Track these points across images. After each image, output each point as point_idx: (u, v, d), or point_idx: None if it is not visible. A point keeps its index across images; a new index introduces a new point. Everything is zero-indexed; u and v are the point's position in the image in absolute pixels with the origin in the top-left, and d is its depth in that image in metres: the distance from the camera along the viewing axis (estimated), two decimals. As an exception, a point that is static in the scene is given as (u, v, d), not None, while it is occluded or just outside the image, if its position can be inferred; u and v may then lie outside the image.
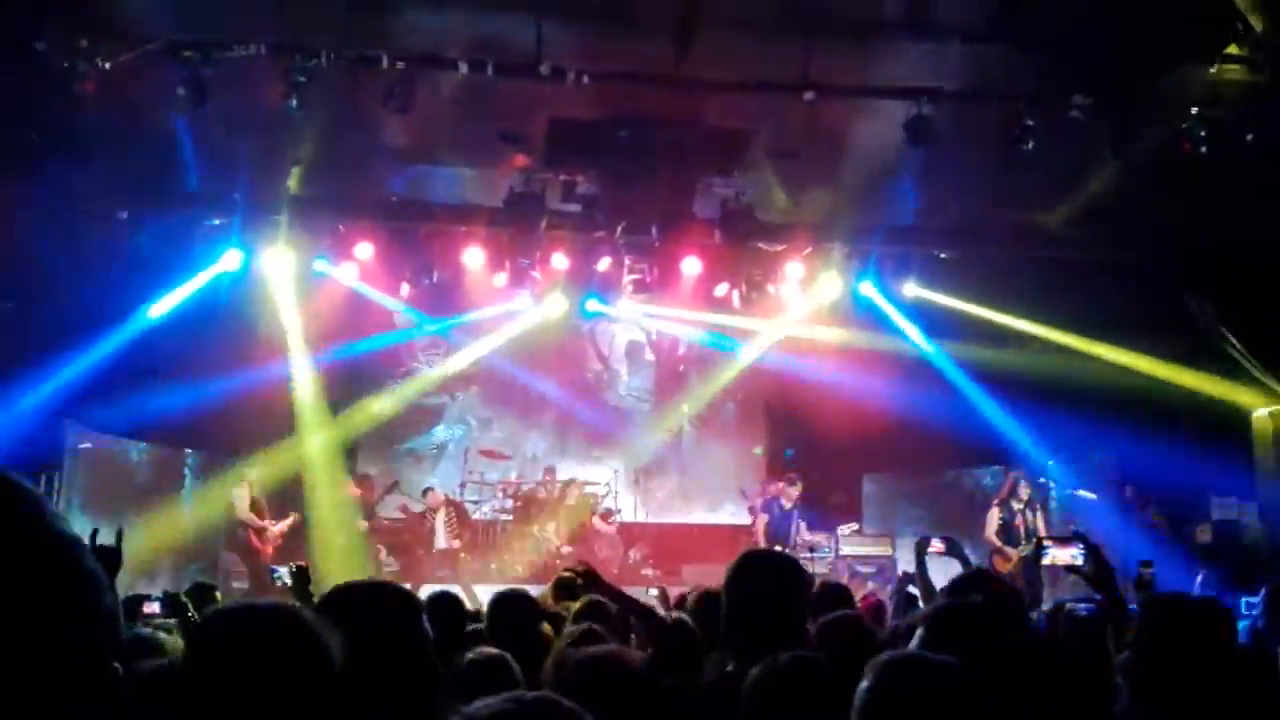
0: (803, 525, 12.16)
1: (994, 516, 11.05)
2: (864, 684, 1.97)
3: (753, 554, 3.00)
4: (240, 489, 11.56)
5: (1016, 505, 11.05)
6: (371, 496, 13.08)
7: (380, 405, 14.03)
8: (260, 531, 11.50)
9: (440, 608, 4.54)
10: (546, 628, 4.58)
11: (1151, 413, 10.36)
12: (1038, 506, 11.22)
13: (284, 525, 11.66)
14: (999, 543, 10.89)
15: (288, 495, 12.14)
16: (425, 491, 13.29)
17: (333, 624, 1.77)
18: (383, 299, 12.73)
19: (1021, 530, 10.90)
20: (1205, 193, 8.91)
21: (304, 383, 12.53)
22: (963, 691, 1.89)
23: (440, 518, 12.92)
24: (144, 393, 10.69)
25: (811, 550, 11.85)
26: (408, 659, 2.13)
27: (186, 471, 12.81)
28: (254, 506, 11.57)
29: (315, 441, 12.59)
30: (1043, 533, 10.80)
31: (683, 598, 5.50)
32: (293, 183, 10.57)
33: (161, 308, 11.19)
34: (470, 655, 2.99)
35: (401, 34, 8.17)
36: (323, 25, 7.91)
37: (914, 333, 12.68)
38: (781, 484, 12.33)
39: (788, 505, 12.07)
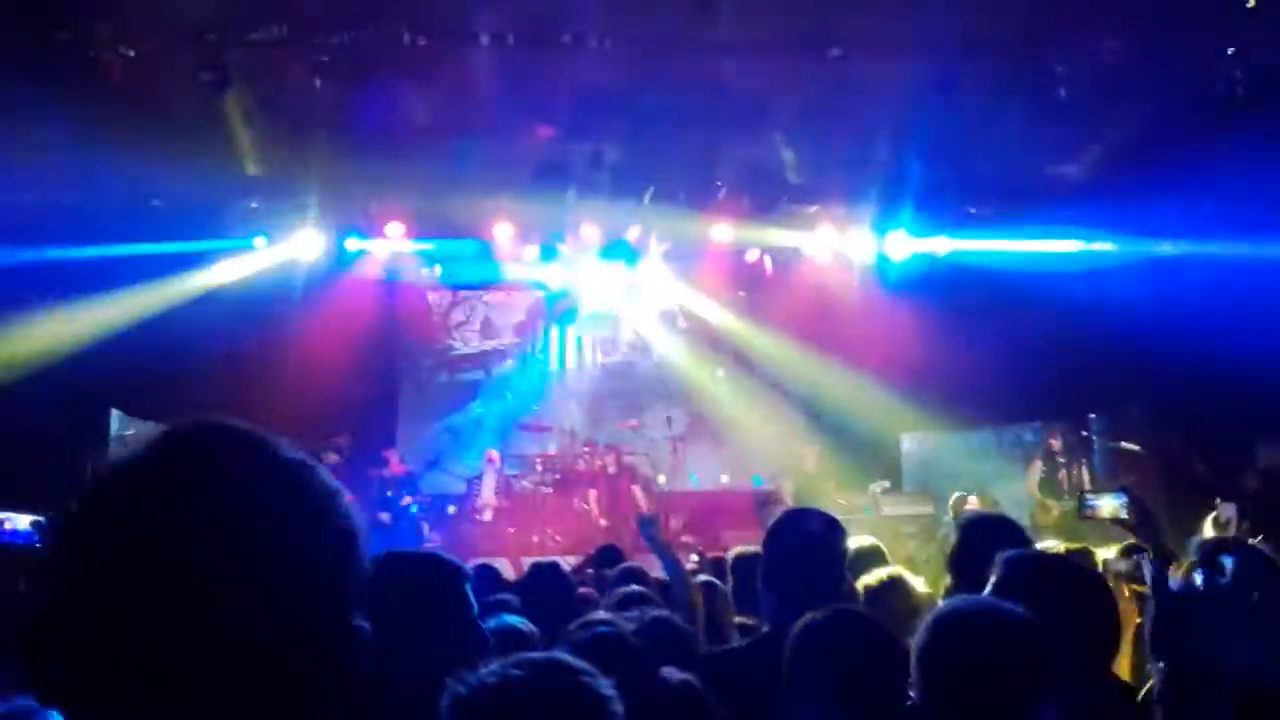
0: (832, 485, 12.14)
1: (1036, 469, 11.01)
2: (924, 627, 1.95)
3: (790, 513, 3.00)
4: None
5: (1060, 459, 10.99)
6: (415, 473, 13.17)
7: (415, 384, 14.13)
8: None
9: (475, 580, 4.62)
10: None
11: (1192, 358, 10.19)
12: (1082, 460, 11.13)
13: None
14: (1041, 495, 10.83)
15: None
16: (489, 455, 13.43)
17: (383, 592, 1.79)
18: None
19: (1065, 484, 10.83)
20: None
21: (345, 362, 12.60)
22: (1029, 639, 1.87)
23: (490, 482, 13.05)
24: (187, 379, 10.82)
25: (850, 512, 11.84)
26: (455, 625, 2.15)
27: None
28: None
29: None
30: (1087, 486, 10.74)
31: (717, 559, 5.54)
32: (334, 162, 10.60)
33: (198, 287, 11.32)
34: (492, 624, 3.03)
35: (422, 9, 8.15)
36: (344, 3, 7.90)
37: (948, 288, 12.56)
38: (799, 449, 12.35)
39: (810, 469, 12.08)
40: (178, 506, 0.95)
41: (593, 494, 13.50)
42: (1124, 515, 4.74)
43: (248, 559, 0.95)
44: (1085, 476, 10.93)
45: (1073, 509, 10.36)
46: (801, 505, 11.56)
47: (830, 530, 3.04)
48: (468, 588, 2.27)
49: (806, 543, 2.98)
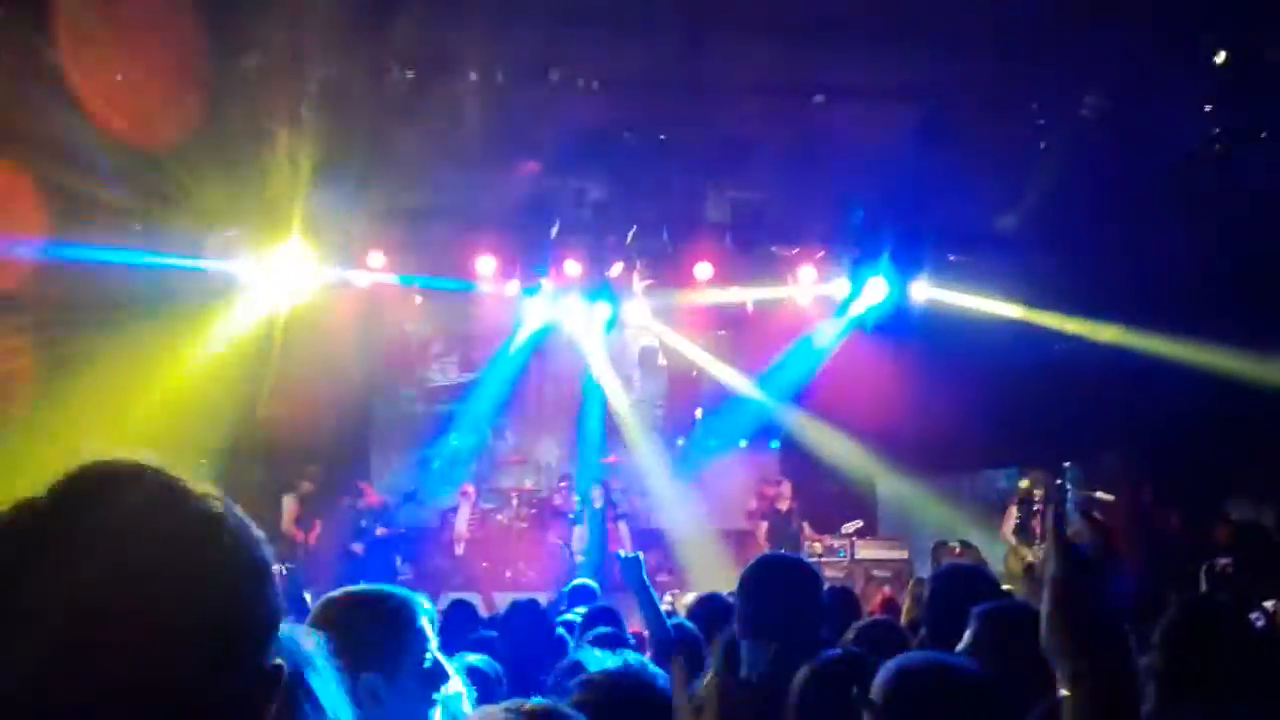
0: (806, 526, 12.14)
1: (1011, 515, 11.07)
2: (878, 683, 1.95)
3: (767, 559, 3.01)
4: (289, 499, 11.64)
5: (1035, 505, 11.05)
6: (390, 504, 13.08)
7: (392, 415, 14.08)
8: (294, 547, 11.56)
9: (449, 616, 4.59)
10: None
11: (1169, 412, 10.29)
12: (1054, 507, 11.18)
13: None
14: (1015, 541, 10.88)
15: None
16: (463, 489, 13.36)
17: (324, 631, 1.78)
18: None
19: (1038, 530, 10.88)
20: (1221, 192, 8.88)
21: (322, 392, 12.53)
22: (979, 697, 1.87)
23: (465, 515, 12.97)
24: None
25: (822, 554, 11.83)
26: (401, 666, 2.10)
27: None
28: (300, 519, 11.65)
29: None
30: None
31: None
32: (319, 192, 10.60)
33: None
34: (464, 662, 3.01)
35: (411, 44, 8.20)
36: (332, 35, 7.93)
37: (926, 334, 12.63)
38: (772, 489, 12.35)
39: (783, 508, 12.08)
40: (65, 550, 0.95)
41: (576, 529, 13.41)
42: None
43: (139, 600, 0.94)
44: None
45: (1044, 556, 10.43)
46: (775, 546, 11.63)
47: (809, 576, 3.05)
48: (420, 623, 2.20)
49: (799, 590, 2.98)
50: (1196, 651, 3.01)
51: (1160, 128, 8.64)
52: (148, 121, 8.49)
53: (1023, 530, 10.94)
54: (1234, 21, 7.68)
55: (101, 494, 0.99)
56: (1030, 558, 10.65)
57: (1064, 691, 1.41)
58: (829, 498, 13.36)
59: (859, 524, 12.64)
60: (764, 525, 12.11)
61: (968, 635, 2.65)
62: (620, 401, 14.34)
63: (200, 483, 1.04)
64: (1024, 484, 11.25)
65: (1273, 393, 9.47)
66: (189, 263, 11.15)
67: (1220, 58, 7.54)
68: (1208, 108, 8.43)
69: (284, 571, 11.27)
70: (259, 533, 1.06)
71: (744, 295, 12.61)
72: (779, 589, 2.93)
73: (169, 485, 1.02)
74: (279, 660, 1.02)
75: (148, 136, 8.80)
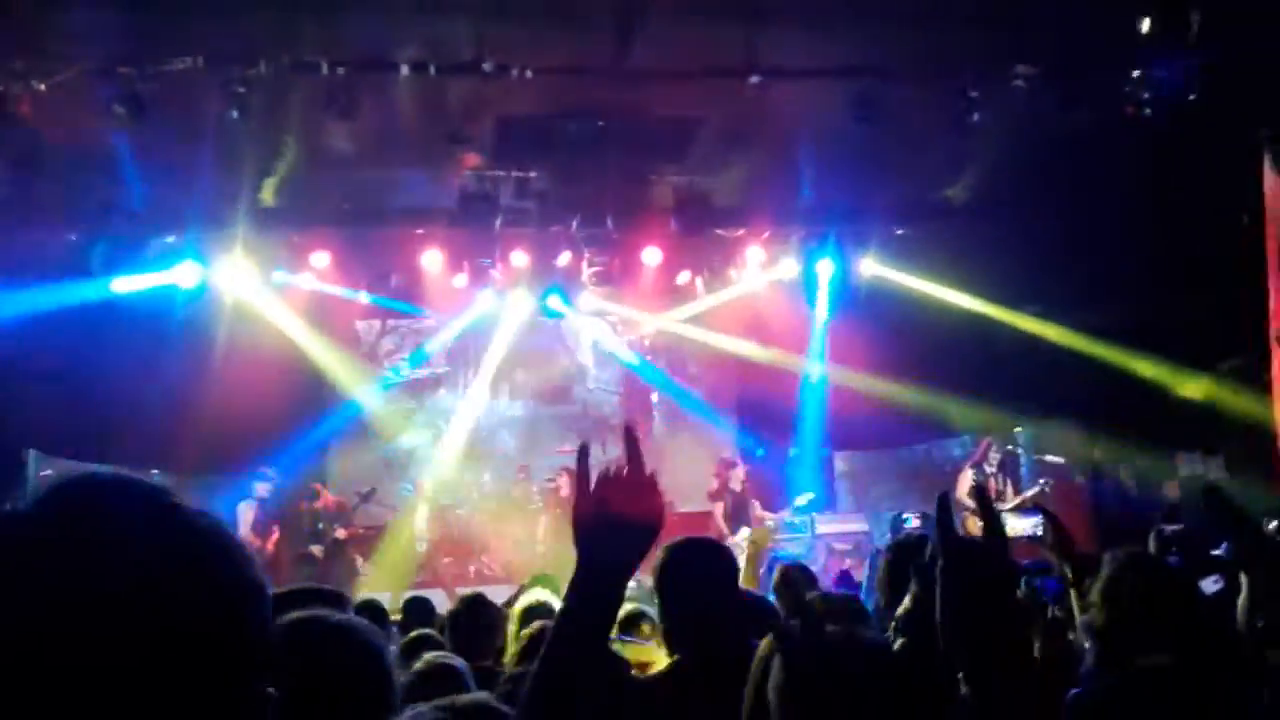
0: (756, 504, 12.22)
1: (967, 478, 11.20)
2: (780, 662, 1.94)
3: (675, 546, 3.00)
4: (245, 505, 11.53)
5: (989, 469, 11.19)
6: (347, 504, 13.00)
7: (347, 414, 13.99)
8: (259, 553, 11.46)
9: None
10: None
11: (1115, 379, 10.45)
12: (1007, 476, 11.33)
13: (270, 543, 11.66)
14: (972, 504, 10.99)
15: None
16: (413, 483, 13.38)
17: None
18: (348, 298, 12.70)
19: (992, 494, 11.02)
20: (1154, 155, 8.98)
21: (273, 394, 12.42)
22: (889, 669, 1.87)
23: (422, 511, 12.92)
24: (109, 414, 10.59)
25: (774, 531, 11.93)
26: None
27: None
28: (256, 525, 11.55)
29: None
30: (1011, 497, 10.94)
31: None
32: (259, 194, 10.48)
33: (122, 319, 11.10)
34: (418, 664, 2.99)
35: (341, 40, 8.11)
36: (260, 34, 7.83)
37: (874, 310, 12.73)
38: (725, 470, 12.42)
39: (738, 488, 12.16)
40: (50, 563, 0.90)
41: (543, 519, 13.37)
42: (1038, 533, 4.86)
43: (123, 619, 0.90)
44: (1009, 490, 11.12)
45: None
46: (734, 526, 11.71)
47: (730, 557, 3.06)
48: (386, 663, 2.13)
49: (717, 576, 2.98)
50: (1133, 607, 3.06)
51: (1090, 96, 8.74)
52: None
53: (978, 493, 11.06)
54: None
55: (89, 505, 0.95)
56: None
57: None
58: (786, 474, 13.45)
59: (810, 495, 12.69)
60: (720, 506, 12.17)
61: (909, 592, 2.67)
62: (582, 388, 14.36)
63: (186, 498, 1.00)
64: (991, 453, 11.37)
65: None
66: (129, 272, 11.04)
67: (1145, 25, 7.61)
68: (1135, 73, 8.52)
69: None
70: (249, 551, 1.02)
71: (693, 262, 12.63)
72: (708, 575, 2.94)
73: (159, 499, 0.98)
74: (270, 688, 0.98)
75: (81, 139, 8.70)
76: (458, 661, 3.30)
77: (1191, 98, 8.39)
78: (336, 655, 1.87)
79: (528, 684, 1.48)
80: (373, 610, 4.56)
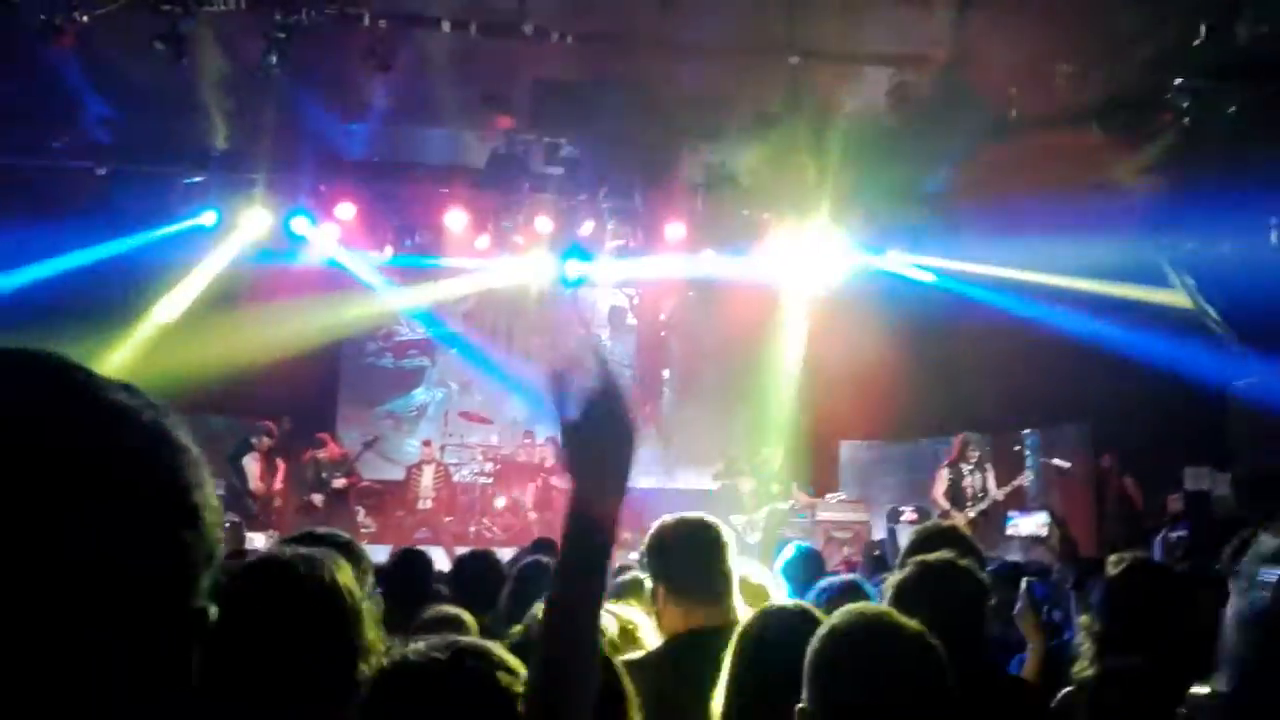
0: (776, 489, 12.28)
1: (943, 477, 11.19)
2: (818, 637, 1.98)
3: (667, 523, 3.04)
4: (250, 458, 11.60)
5: (966, 467, 11.19)
6: (351, 455, 13.06)
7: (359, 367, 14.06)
8: (268, 503, 11.56)
9: (407, 566, 4.58)
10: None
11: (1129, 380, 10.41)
12: (988, 468, 11.33)
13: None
14: (946, 504, 11.02)
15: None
16: (425, 443, 13.38)
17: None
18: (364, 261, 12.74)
19: (969, 492, 11.04)
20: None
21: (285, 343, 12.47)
22: (924, 654, 1.91)
23: (429, 472, 12.99)
24: (123, 352, 10.67)
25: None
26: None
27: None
28: (263, 475, 11.65)
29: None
30: (992, 492, 10.96)
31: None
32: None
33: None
34: (427, 613, 3.03)
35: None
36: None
37: (890, 299, 12.72)
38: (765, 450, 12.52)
39: (775, 469, 12.27)
40: None
41: (530, 487, 13.48)
42: (1044, 534, 4.89)
43: (29, 517, 0.75)
44: (991, 484, 11.13)
45: (975, 517, 10.66)
46: (760, 505, 11.83)
47: (715, 533, 3.08)
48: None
49: (705, 552, 3.02)
50: (1133, 612, 3.09)
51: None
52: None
53: (954, 491, 11.07)
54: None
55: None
56: (961, 520, 10.80)
57: None
58: (795, 460, 13.46)
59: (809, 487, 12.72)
60: (746, 486, 12.32)
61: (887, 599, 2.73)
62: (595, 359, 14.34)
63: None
64: (971, 451, 11.32)
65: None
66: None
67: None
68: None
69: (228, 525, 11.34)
70: (196, 451, 0.85)
71: (716, 241, 12.61)
72: (683, 549, 3.00)
73: (74, 375, 0.83)
74: (203, 604, 0.84)
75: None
76: (463, 614, 3.34)
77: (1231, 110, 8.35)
78: (294, 591, 1.84)
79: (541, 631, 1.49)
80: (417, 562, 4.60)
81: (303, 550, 1.95)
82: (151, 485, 0.81)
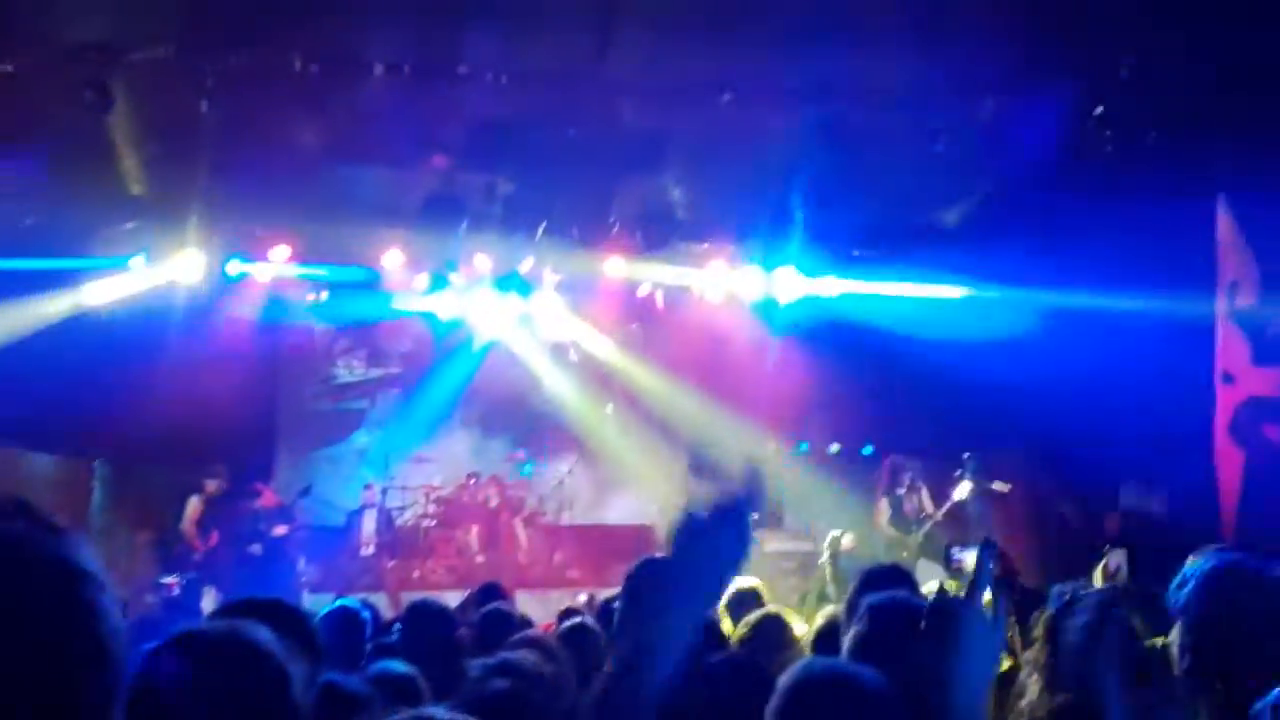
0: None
1: (884, 506, 11.35)
2: (778, 692, 1.96)
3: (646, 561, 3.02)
4: (195, 499, 11.40)
5: (900, 491, 11.36)
6: (287, 505, 12.81)
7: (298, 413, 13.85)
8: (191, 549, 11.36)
9: (340, 622, 4.44)
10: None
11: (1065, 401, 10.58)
12: (920, 486, 11.51)
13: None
14: (893, 531, 11.16)
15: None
16: (366, 487, 13.24)
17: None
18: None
19: (911, 514, 11.19)
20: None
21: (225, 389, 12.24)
22: (881, 710, 1.89)
23: (371, 516, 12.81)
24: (55, 407, 10.38)
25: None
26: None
27: (96, 484, 12.41)
28: (200, 521, 11.44)
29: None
30: (929, 511, 11.12)
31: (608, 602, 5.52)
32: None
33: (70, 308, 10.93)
34: (374, 670, 2.94)
35: (316, 36, 8.04)
36: (235, 28, 7.75)
37: (830, 327, 12.83)
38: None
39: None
40: None
41: (474, 528, 13.35)
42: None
43: None
44: (927, 503, 11.29)
45: (924, 536, 10.82)
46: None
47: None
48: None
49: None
50: (1076, 644, 3.09)
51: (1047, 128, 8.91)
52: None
53: (898, 517, 11.21)
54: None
55: None
56: (913, 542, 10.95)
57: None
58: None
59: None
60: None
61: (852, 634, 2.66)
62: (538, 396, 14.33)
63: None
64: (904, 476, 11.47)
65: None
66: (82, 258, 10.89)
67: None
68: (1098, 110, 8.70)
69: (182, 583, 11.11)
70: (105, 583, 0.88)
71: (656, 275, 12.64)
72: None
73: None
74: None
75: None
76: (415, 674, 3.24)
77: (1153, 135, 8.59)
78: (225, 676, 1.73)
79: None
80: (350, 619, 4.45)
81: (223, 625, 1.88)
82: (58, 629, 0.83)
